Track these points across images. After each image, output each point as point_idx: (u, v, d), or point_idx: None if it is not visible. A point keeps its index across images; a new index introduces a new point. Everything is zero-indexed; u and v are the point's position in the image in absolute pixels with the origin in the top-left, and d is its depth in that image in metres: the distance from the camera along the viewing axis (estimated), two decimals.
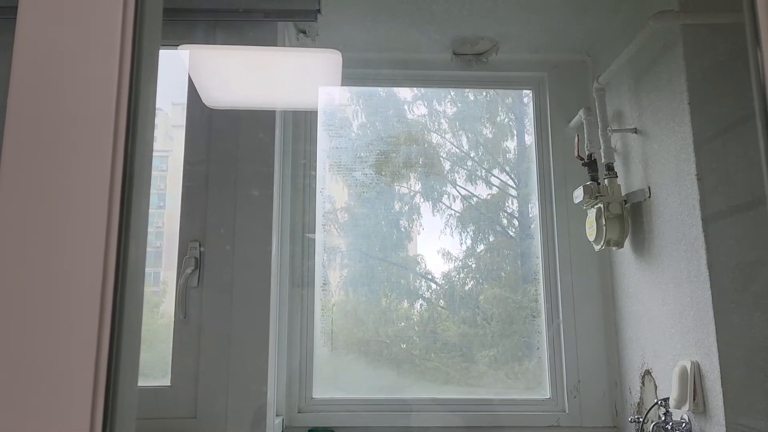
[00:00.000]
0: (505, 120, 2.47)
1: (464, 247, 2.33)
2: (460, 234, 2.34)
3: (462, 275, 2.32)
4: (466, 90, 2.46)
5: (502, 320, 2.26)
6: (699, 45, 1.65)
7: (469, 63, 2.33)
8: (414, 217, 2.36)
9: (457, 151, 2.42)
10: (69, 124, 0.63)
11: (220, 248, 1.78)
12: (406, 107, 2.45)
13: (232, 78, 2.00)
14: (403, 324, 2.27)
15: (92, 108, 0.63)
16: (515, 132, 2.45)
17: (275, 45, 1.89)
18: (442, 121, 2.44)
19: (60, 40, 0.64)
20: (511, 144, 2.45)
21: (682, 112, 1.66)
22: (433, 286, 2.33)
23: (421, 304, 2.31)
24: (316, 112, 2.32)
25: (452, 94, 2.46)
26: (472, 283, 2.32)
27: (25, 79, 0.63)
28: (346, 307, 2.28)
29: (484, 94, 2.47)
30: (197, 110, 1.86)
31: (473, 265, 2.33)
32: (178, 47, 1.87)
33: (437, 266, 2.32)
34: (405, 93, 2.45)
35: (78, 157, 0.62)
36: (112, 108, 0.64)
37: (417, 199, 2.37)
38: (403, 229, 2.36)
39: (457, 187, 2.38)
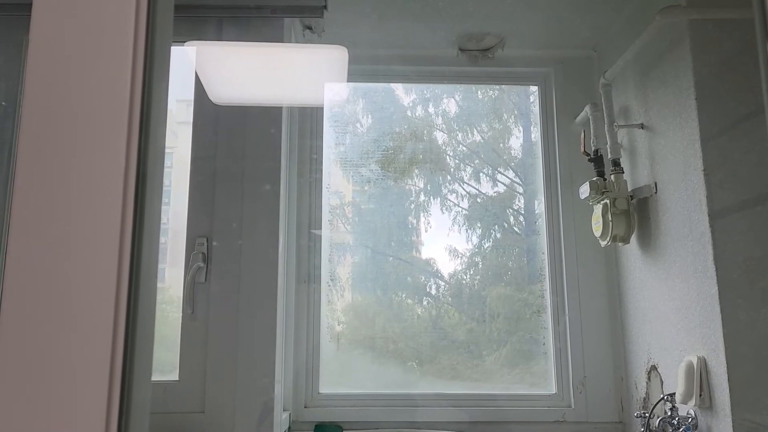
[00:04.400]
0: (511, 117, 2.46)
1: (471, 245, 2.33)
2: (467, 231, 2.34)
3: (470, 272, 2.33)
4: (472, 86, 2.45)
5: (509, 316, 2.26)
6: (706, 40, 1.64)
7: (475, 59, 2.33)
8: (421, 214, 2.36)
9: (464, 148, 2.42)
10: (83, 122, 0.64)
11: (227, 244, 1.79)
12: (410, 104, 2.45)
13: (239, 74, 2.01)
14: (409, 321, 2.27)
15: (106, 105, 0.64)
16: (521, 128, 2.45)
17: (282, 41, 1.90)
18: (447, 118, 2.44)
19: (75, 38, 0.65)
20: (516, 140, 2.44)
21: (689, 107, 1.66)
22: (441, 283, 2.33)
23: (428, 301, 2.32)
24: (323, 107, 2.32)
25: (458, 92, 2.45)
26: (478, 279, 2.33)
27: (40, 76, 0.64)
28: (354, 304, 2.28)
29: (491, 92, 2.46)
30: (204, 107, 1.87)
31: (480, 262, 2.33)
32: (185, 44, 1.88)
33: (443, 262, 2.33)
34: (410, 90, 2.45)
35: (92, 155, 0.63)
36: (125, 106, 0.64)
37: (422, 196, 2.37)
38: (410, 227, 2.36)
39: (464, 185, 2.38)
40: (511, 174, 2.41)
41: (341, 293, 2.27)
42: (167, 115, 0.72)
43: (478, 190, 2.38)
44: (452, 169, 2.39)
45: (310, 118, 2.31)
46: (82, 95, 0.64)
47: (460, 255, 2.32)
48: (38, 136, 0.63)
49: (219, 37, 1.90)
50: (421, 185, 2.37)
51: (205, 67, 1.89)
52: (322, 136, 2.32)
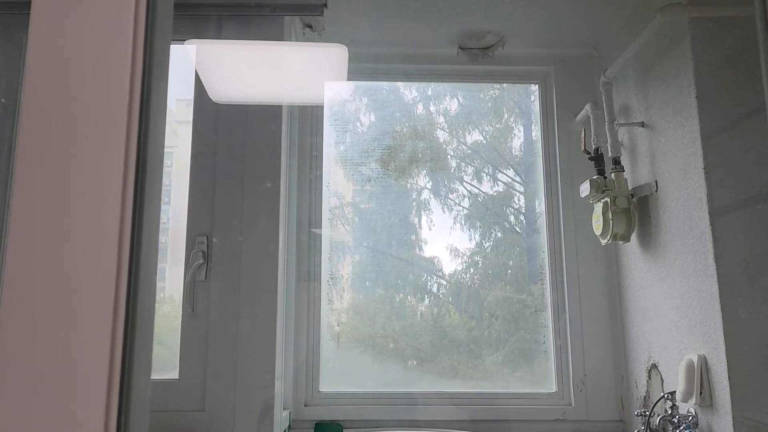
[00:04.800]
0: (511, 115, 2.46)
1: (472, 244, 2.33)
2: (469, 230, 2.34)
3: (471, 271, 2.33)
4: (473, 85, 2.45)
5: (509, 315, 2.26)
6: (706, 38, 1.64)
7: (475, 57, 2.33)
8: (422, 213, 2.36)
9: (464, 147, 2.41)
10: (82, 121, 0.63)
11: (227, 242, 1.79)
12: (411, 102, 2.45)
13: (239, 73, 2.01)
14: (410, 319, 2.27)
15: (105, 104, 0.64)
16: (521, 127, 2.45)
17: (282, 40, 1.89)
18: (449, 117, 2.44)
19: (74, 37, 0.65)
20: (517, 139, 2.44)
21: (690, 105, 1.65)
22: (443, 282, 2.33)
23: (429, 300, 2.31)
24: (323, 106, 2.32)
25: (459, 91, 2.45)
26: (479, 278, 2.32)
27: (39, 75, 0.64)
28: (354, 302, 2.28)
29: (491, 90, 2.46)
30: (204, 105, 1.87)
31: (480, 261, 2.33)
32: (185, 42, 1.88)
33: (445, 261, 2.33)
34: (411, 89, 2.45)
35: (92, 154, 0.63)
36: (125, 104, 0.64)
37: (423, 195, 2.37)
38: (410, 226, 2.36)
39: (464, 184, 2.38)
40: (511, 173, 2.41)
41: (341, 292, 2.27)
42: (167, 114, 0.72)
43: (478, 189, 2.38)
44: (452, 169, 2.39)
45: (310, 117, 2.31)
46: (82, 94, 0.64)
47: (461, 254, 2.32)
48: (37, 135, 0.63)
49: (219, 36, 1.89)
50: (422, 184, 2.37)
51: (205, 66, 1.89)
52: (322, 134, 2.32)
